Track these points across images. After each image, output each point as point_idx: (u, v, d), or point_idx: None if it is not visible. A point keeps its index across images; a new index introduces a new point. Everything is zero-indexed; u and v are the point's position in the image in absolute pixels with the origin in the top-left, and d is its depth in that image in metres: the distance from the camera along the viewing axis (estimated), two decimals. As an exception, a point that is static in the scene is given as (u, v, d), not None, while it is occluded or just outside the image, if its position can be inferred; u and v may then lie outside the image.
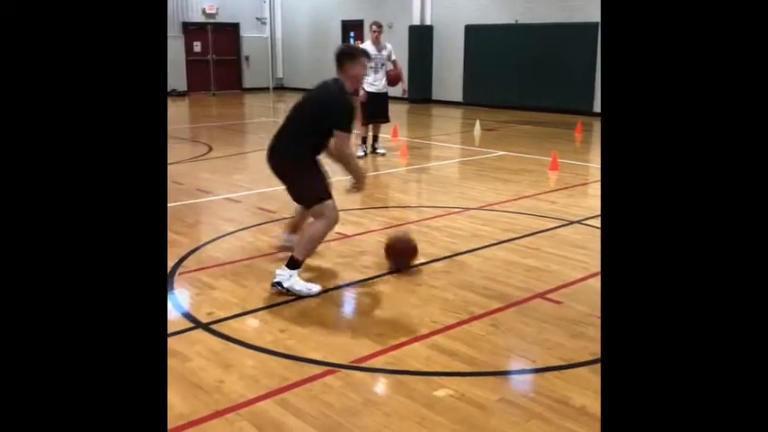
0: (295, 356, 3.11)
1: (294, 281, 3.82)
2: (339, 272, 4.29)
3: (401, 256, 4.31)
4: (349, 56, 4.01)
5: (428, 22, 16.22)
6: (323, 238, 3.96)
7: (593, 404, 2.68)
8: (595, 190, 6.97)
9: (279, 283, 3.82)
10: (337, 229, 5.22)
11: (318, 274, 4.19)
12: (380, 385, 2.90)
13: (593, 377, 2.91)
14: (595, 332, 3.37)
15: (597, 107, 13.33)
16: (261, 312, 3.64)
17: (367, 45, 8.60)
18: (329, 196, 3.90)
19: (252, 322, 3.54)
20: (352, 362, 3.06)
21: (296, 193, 4.05)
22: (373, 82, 8.52)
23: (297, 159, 3.91)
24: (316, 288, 3.85)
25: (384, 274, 4.22)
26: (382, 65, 8.55)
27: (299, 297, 3.80)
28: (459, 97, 15.85)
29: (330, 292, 3.97)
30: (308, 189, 3.93)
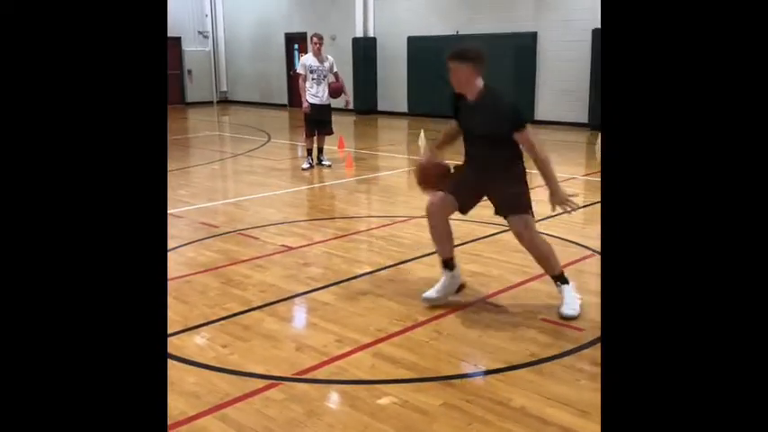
0: (237, 371, 3.08)
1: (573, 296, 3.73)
2: (283, 285, 4.27)
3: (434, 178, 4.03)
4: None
5: (371, 34, 16.35)
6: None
7: (533, 404, 2.74)
8: (536, 195, 7.10)
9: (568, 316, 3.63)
10: (281, 241, 5.22)
11: (262, 288, 4.16)
12: (323, 396, 2.90)
13: (533, 377, 2.98)
14: (535, 334, 3.44)
15: (539, 114, 13.65)
16: (203, 328, 3.59)
17: (308, 57, 8.62)
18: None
19: (194, 339, 3.49)
20: (295, 374, 3.04)
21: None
22: (316, 94, 8.53)
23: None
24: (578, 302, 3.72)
25: (329, 285, 4.21)
26: (324, 77, 8.57)
27: (241, 312, 3.77)
28: (404, 108, 15.99)
29: (274, 305, 3.95)
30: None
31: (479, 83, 3.74)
